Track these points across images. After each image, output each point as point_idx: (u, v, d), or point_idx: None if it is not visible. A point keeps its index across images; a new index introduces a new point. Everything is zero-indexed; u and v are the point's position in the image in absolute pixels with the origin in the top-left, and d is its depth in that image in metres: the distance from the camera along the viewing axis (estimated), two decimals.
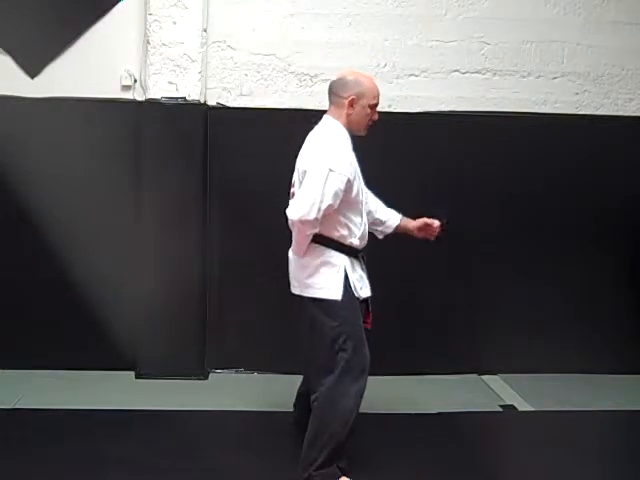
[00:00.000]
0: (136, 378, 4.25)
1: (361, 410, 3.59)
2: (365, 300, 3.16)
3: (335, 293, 3.03)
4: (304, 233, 2.97)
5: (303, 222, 2.91)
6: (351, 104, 3.05)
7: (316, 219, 2.91)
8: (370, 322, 3.18)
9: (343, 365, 3.04)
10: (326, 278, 3.04)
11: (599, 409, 4.01)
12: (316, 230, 2.98)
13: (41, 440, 3.40)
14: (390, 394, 4.11)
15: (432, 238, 3.41)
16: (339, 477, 3.09)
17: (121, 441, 3.40)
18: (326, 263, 3.04)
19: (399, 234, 3.45)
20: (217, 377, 4.35)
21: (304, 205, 2.91)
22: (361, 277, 3.14)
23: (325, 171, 2.91)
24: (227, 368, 4.40)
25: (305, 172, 2.99)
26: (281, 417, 3.60)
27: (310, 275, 3.06)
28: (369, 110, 3.08)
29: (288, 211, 2.98)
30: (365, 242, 3.16)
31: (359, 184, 3.10)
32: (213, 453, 3.32)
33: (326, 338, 3.04)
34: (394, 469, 3.26)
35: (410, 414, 3.86)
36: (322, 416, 3.06)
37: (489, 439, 3.55)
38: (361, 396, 3.10)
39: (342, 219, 3.04)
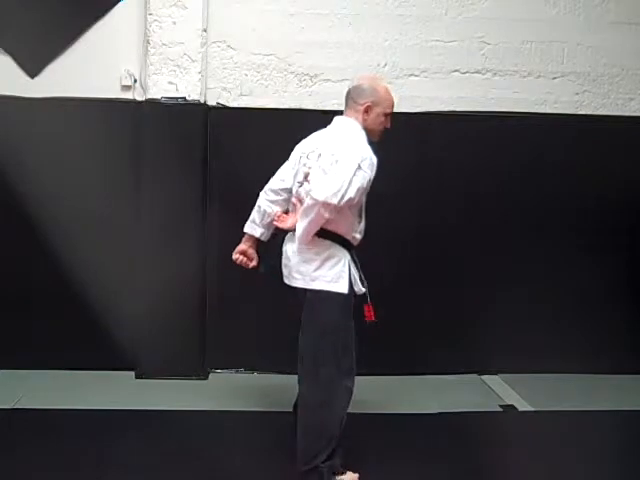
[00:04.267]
0: (136, 378, 4.25)
1: (361, 410, 3.61)
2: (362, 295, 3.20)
3: (342, 286, 3.07)
4: (321, 218, 2.98)
5: (325, 205, 2.94)
6: (366, 111, 3.14)
7: (336, 207, 2.95)
8: (373, 315, 3.17)
9: (334, 361, 3.09)
10: (334, 271, 3.08)
11: (599, 409, 4.01)
12: (331, 217, 3.00)
13: (41, 440, 3.40)
14: (390, 394, 4.11)
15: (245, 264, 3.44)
16: (344, 471, 3.15)
17: (121, 441, 3.40)
18: (333, 256, 3.09)
19: None
20: (217, 377, 4.35)
21: (331, 189, 2.93)
22: (357, 272, 3.17)
23: (355, 165, 2.97)
24: (227, 368, 4.40)
25: (333, 162, 3.02)
26: (281, 417, 3.60)
27: (317, 268, 3.08)
28: (383, 118, 3.18)
29: (313, 192, 2.98)
30: (360, 240, 3.21)
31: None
32: (213, 453, 3.33)
33: (323, 331, 3.09)
34: (394, 469, 3.26)
35: (410, 414, 3.86)
36: (323, 409, 3.11)
37: (489, 439, 3.55)
38: (350, 396, 3.16)
39: (349, 215, 3.09)
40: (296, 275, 3.15)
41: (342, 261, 3.09)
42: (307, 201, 3.00)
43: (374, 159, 3.07)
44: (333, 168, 3.00)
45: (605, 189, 4.49)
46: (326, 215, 2.97)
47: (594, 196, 4.49)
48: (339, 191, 2.93)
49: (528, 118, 4.43)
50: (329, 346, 3.08)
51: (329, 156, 3.07)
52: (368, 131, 3.17)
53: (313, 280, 3.09)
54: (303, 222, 3.04)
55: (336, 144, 3.11)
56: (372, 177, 3.07)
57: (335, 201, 2.92)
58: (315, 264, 3.08)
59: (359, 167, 2.97)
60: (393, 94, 3.31)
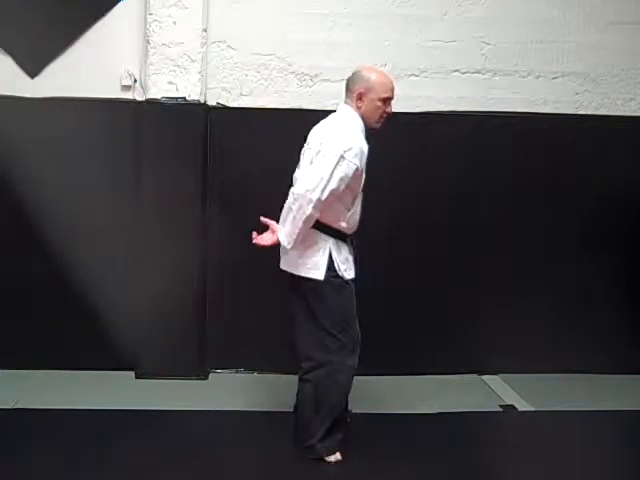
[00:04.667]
0: (136, 378, 4.25)
1: (362, 410, 3.61)
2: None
3: (319, 273, 3.16)
4: (303, 215, 3.02)
5: (308, 200, 2.99)
6: (359, 97, 3.19)
7: (319, 200, 3.01)
8: None
9: (334, 342, 3.18)
10: (313, 258, 3.17)
11: (599, 409, 4.00)
12: (317, 214, 3.05)
13: (41, 440, 3.40)
14: (390, 394, 4.11)
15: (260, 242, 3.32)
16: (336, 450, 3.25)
17: (121, 441, 3.40)
18: (313, 244, 3.17)
19: None
20: (217, 377, 4.35)
21: (311, 182, 3.01)
22: (346, 259, 3.22)
23: (337, 156, 3.03)
24: (227, 368, 4.40)
25: (318, 152, 3.09)
26: (281, 417, 3.60)
27: (300, 255, 3.18)
28: (379, 103, 3.21)
29: (294, 188, 3.09)
30: (354, 228, 3.26)
31: (363, 174, 3.20)
32: (213, 453, 3.32)
33: (314, 317, 3.19)
34: (394, 469, 3.26)
35: (410, 414, 3.86)
36: (321, 391, 3.21)
37: (489, 439, 3.55)
38: (353, 374, 3.25)
39: (336, 203, 3.13)
40: (287, 261, 3.27)
41: (322, 249, 3.15)
42: (288, 199, 3.08)
43: (364, 147, 3.12)
44: (316, 160, 3.08)
45: (605, 189, 4.49)
46: (309, 211, 3.02)
47: (594, 196, 4.49)
48: (319, 184, 3.00)
49: (528, 118, 4.43)
50: (320, 331, 3.18)
51: (317, 145, 3.14)
52: (365, 118, 3.21)
53: (297, 266, 3.21)
54: (286, 224, 3.08)
55: (324, 134, 3.16)
56: (362, 166, 3.12)
57: (316, 195, 2.99)
58: (299, 251, 3.17)
59: (342, 157, 3.03)
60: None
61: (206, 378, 4.33)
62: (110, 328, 4.16)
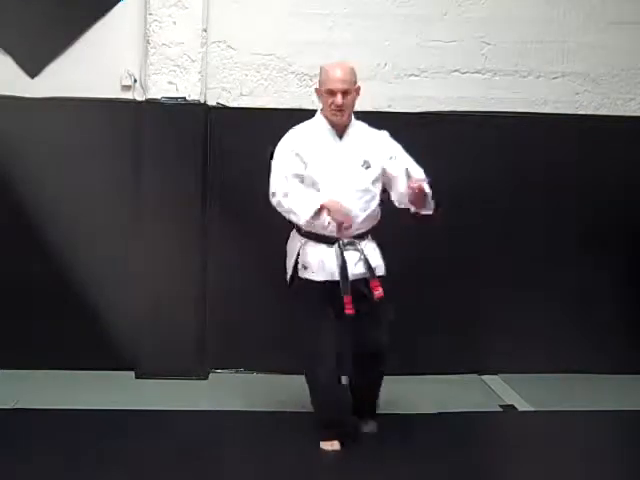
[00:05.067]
0: (136, 378, 4.25)
1: None
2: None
3: (288, 275, 3.30)
4: (291, 205, 3.14)
5: (280, 199, 3.14)
6: (318, 93, 3.32)
7: (284, 188, 3.15)
8: (349, 307, 3.23)
9: (305, 342, 3.29)
10: (288, 260, 3.31)
11: (599, 409, 4.00)
12: (297, 192, 3.15)
13: (41, 440, 3.40)
14: (390, 394, 4.10)
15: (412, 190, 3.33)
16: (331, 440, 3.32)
17: (121, 441, 3.40)
18: (292, 247, 3.30)
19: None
20: (217, 377, 4.35)
21: (271, 187, 3.18)
22: (320, 263, 3.20)
23: (275, 161, 3.24)
24: (227, 368, 4.40)
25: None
26: (281, 417, 3.60)
27: (286, 256, 3.34)
28: (326, 96, 3.24)
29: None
30: (323, 229, 3.20)
31: (317, 170, 3.20)
32: (213, 453, 3.32)
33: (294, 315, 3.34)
34: (394, 469, 3.25)
35: (410, 414, 3.86)
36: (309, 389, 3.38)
37: (489, 439, 3.55)
38: (325, 380, 3.26)
39: None
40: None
41: (294, 251, 3.25)
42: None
43: (300, 137, 3.24)
44: None
45: (605, 189, 4.49)
46: (289, 200, 3.14)
47: (594, 196, 4.49)
48: (274, 181, 3.18)
49: (528, 118, 4.43)
50: (298, 325, 3.30)
51: None
52: (325, 112, 3.27)
53: (286, 268, 3.33)
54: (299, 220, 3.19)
55: None
56: (303, 153, 3.20)
57: (279, 188, 3.15)
58: (287, 253, 3.33)
59: (277, 150, 3.23)
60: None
61: (206, 378, 4.33)
62: (110, 328, 4.16)
